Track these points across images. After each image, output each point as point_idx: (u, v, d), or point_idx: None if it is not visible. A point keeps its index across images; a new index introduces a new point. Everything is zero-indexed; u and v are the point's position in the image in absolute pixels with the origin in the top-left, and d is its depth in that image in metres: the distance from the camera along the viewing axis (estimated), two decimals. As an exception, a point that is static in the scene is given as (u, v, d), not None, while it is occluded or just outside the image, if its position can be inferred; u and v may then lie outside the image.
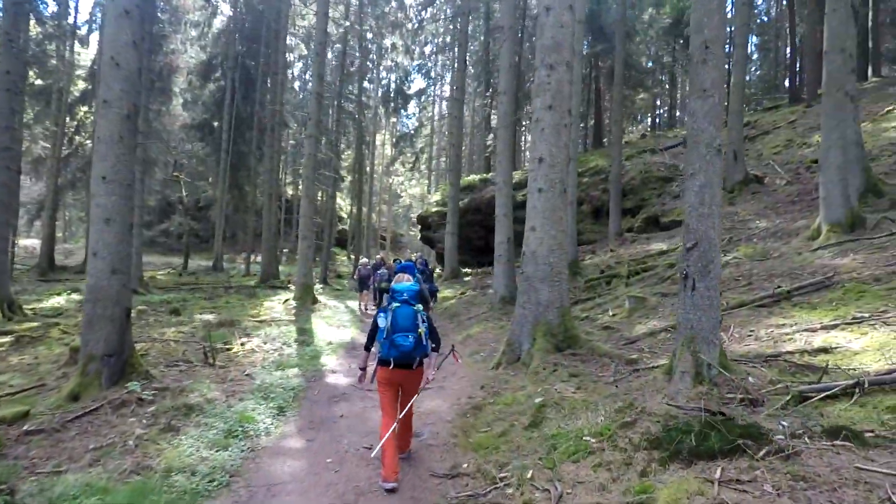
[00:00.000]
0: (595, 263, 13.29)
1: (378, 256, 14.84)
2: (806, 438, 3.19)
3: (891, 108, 13.99)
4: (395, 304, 4.12)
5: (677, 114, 31.45)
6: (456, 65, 20.89)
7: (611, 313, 8.67)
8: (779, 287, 6.93)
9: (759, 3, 29.46)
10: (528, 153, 46.33)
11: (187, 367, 7.35)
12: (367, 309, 14.91)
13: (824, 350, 4.73)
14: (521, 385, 5.63)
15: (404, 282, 4.34)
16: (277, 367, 7.70)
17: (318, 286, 21.26)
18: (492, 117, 29.35)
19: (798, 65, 22.80)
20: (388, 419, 4.07)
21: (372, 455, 4.19)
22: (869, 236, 8.29)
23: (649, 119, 34.23)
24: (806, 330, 5.36)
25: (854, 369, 4.24)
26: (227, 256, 38.71)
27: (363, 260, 14.74)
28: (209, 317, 12.10)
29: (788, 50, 25.34)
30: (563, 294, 6.32)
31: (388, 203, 58.60)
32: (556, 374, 5.53)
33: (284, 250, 47.15)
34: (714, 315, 4.53)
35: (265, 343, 9.35)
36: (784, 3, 26.03)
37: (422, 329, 4.07)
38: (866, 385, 3.72)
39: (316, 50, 15.36)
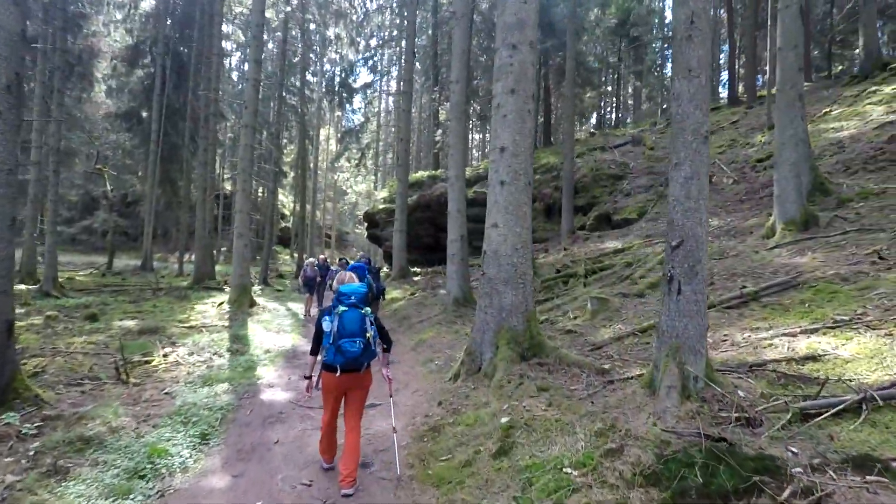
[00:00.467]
0: (550, 262, 12.91)
1: (321, 256, 13.56)
2: (830, 473, 2.72)
3: (828, 109, 14.45)
4: (341, 308, 3.86)
5: (622, 114, 32.06)
6: (403, 57, 20.15)
7: (571, 315, 8.22)
8: (744, 287, 6.66)
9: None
10: (475, 150, 46.05)
11: (93, 387, 6.27)
12: (312, 315, 13.54)
13: (812, 358, 4.37)
14: (483, 401, 5.00)
15: (350, 282, 4.11)
16: (204, 383, 6.73)
17: (257, 287, 19.98)
18: (440, 112, 28.76)
19: (736, 68, 23.52)
20: (328, 419, 4.06)
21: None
22: (824, 234, 8.25)
23: (594, 118, 34.68)
24: (785, 335, 5.03)
25: (850, 380, 3.87)
26: (158, 256, 36.24)
27: (309, 260, 13.41)
28: (130, 323, 10.82)
29: (727, 55, 26.15)
30: (529, 297, 5.74)
31: (333, 200, 56.92)
32: (524, 388, 4.93)
33: (222, 249, 44.87)
34: (702, 322, 4.07)
35: (192, 353, 8.29)
36: (721, 10, 26.88)
37: (370, 333, 3.86)
38: (877, 401, 3.32)
39: (253, 33, 14.17)
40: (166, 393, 6.08)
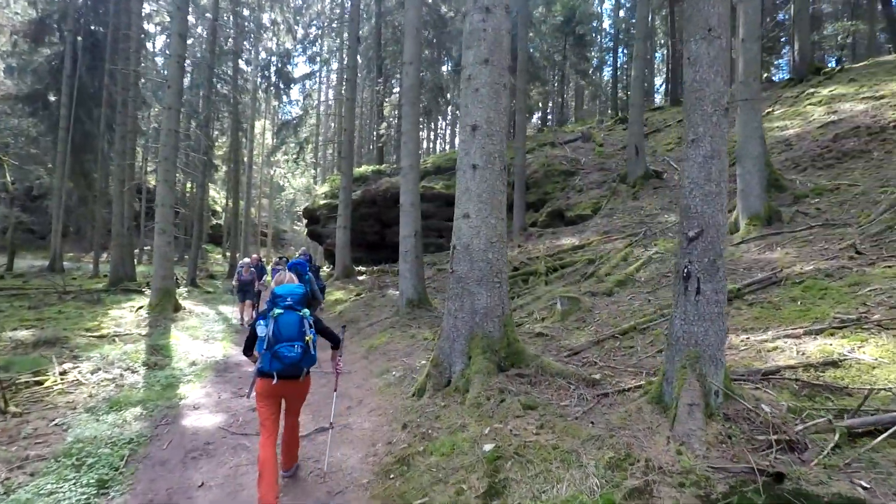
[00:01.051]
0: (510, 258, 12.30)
1: (253, 256, 12.00)
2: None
3: (770, 109, 14.76)
4: (277, 311, 3.57)
5: (566, 113, 32.20)
6: (346, 44, 18.92)
7: (538, 317, 7.59)
8: (727, 284, 6.24)
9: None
10: (423, 143, 45.01)
11: (-44, 420, 4.96)
12: (249, 324, 11.12)
13: (832, 363, 3.89)
14: (459, 422, 4.20)
15: (288, 283, 3.82)
16: (111, 408, 5.54)
17: (183, 289, 18.26)
18: (384, 105, 27.69)
19: (679, 70, 24.04)
20: (267, 436, 3.55)
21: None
22: (789, 230, 8.07)
23: (538, 116, 34.69)
24: (788, 336, 4.56)
25: (889, 390, 3.39)
26: (70, 256, 33.01)
27: (244, 260, 11.89)
28: (25, 333, 9.19)
29: (665, 57, 26.72)
30: (505, 299, 5.00)
31: (269, 197, 54.32)
32: (506, 406, 4.18)
33: (146, 248, 41.62)
34: (722, 326, 3.46)
35: (98, 370, 6.97)
36: (664, 11, 27.46)
37: (309, 336, 3.58)
38: (945, 419, 2.81)
39: (177, 3, 12.64)
40: (57, 424, 4.87)
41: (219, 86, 37.96)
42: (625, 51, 31.38)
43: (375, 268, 17.66)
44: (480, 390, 4.44)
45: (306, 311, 3.66)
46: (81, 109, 25.48)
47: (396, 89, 28.42)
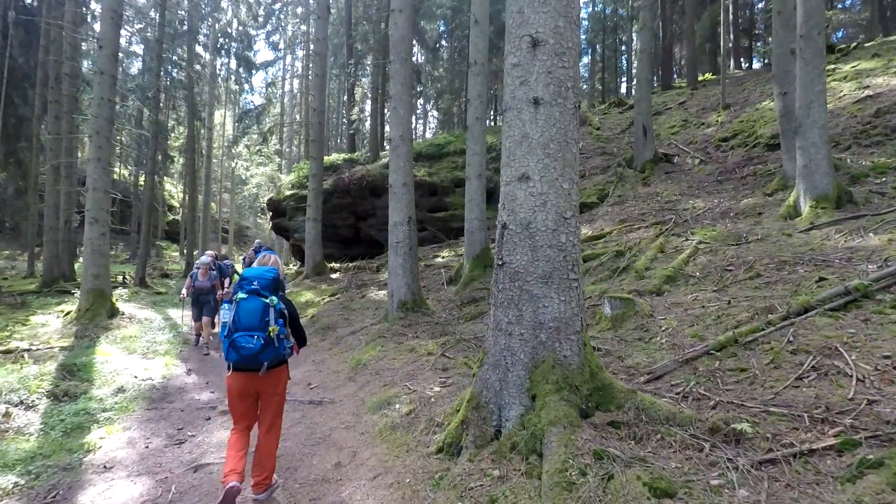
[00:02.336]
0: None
1: (210, 253, 9.74)
2: None
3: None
4: (240, 295, 3.17)
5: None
6: (315, 14, 16.85)
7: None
8: (847, 282, 4.69)
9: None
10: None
11: None
12: (206, 343, 8.56)
13: None
14: (538, 518, 2.48)
15: (260, 265, 3.44)
16: (-31, 476, 3.59)
17: (125, 291, 15.93)
18: (356, 89, 25.64)
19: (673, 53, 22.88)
20: (237, 431, 3.27)
21: None
22: (871, 212, 6.64)
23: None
24: None
25: None
26: (6, 253, 29.79)
27: (202, 259, 8.86)
28: None
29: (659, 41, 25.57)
30: (582, 305, 3.30)
31: (230, 191, 51.32)
32: (620, 489, 2.48)
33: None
34: None
35: (-25, 407, 4.97)
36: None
37: (274, 328, 3.11)
38: None
39: (110, -54, 10.45)
40: None
41: (174, 72, 35.20)
42: (606, 37, 30.25)
43: (351, 264, 15.73)
44: (565, 455, 2.71)
45: (274, 299, 3.20)
46: (14, 91, 22.80)
47: (367, 77, 26.45)
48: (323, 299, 12.10)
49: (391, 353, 6.32)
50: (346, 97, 27.13)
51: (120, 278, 20.07)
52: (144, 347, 8.27)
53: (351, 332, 8.08)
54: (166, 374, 6.90)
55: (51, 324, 10.18)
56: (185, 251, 30.44)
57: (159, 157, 36.09)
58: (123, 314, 10.70)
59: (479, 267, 9.62)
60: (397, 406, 4.55)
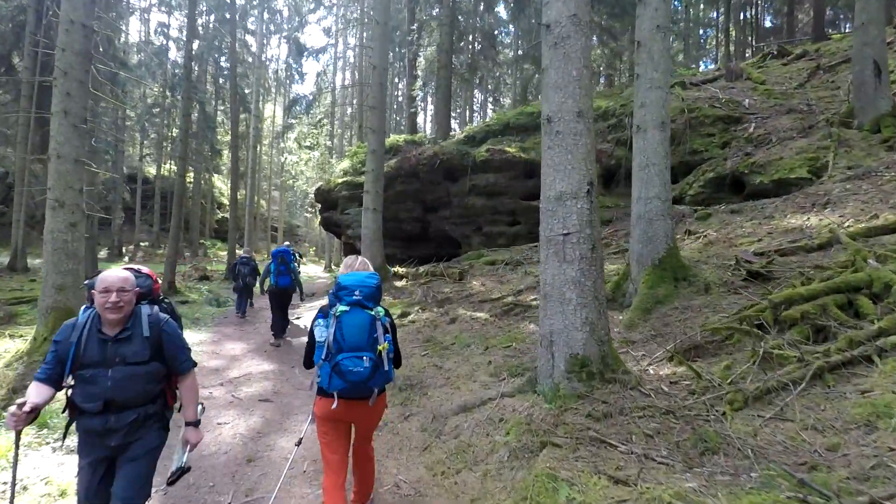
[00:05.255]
0: (697, 258, 6.47)
1: (245, 249, 8.02)
2: None
3: None
4: (340, 308, 2.56)
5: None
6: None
7: None
8: None
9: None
10: (463, 112, 38.95)
11: None
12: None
13: None
14: None
15: (361, 269, 2.83)
16: None
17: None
18: (418, 59, 21.96)
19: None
20: (333, 478, 2.65)
21: None
22: None
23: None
24: None
25: None
26: (40, 251, 27.81)
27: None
28: None
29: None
30: None
31: (280, 188, 49.10)
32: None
33: (143, 244, 36.75)
34: None
35: None
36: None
37: (384, 345, 2.56)
38: None
39: None
40: None
41: (222, 60, 32.73)
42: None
43: (421, 269, 11.93)
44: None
45: (380, 310, 2.61)
46: (49, 74, 20.50)
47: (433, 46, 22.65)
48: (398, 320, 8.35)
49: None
50: (406, 68, 23.47)
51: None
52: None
53: (460, 406, 4.19)
54: None
55: None
56: (237, 252, 27.59)
57: (206, 150, 33.87)
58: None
59: (666, 281, 5.56)
60: None
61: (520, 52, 21.78)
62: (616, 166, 11.23)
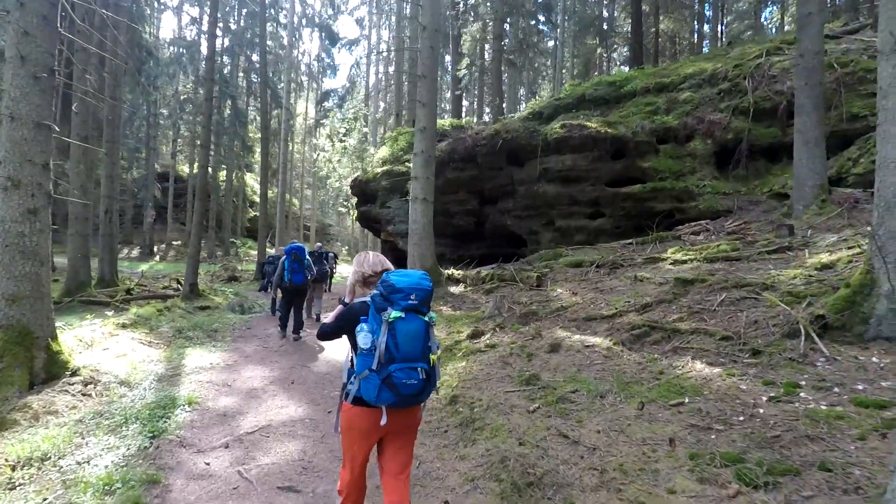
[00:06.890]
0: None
1: (279, 248, 6.97)
2: None
3: None
4: (394, 313, 2.14)
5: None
6: None
7: None
8: None
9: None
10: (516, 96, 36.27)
11: None
12: None
13: None
14: None
15: (374, 265, 2.49)
16: None
17: (143, 309, 10.73)
18: (462, 37, 19.82)
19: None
20: (351, 474, 2.36)
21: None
22: None
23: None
24: None
25: None
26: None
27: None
28: None
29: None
30: None
31: (312, 186, 47.75)
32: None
33: (175, 243, 35.77)
34: None
35: None
36: None
37: (435, 354, 2.26)
38: None
39: None
40: None
41: (253, 55, 31.27)
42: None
43: (483, 272, 9.72)
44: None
45: (433, 316, 2.26)
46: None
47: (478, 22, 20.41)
48: (455, 344, 6.24)
49: None
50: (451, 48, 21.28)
51: (174, 284, 15.64)
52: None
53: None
54: None
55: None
56: (270, 251, 25.97)
57: (237, 146, 32.50)
58: (80, 370, 5.33)
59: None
60: None
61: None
62: (734, 141, 8.80)
